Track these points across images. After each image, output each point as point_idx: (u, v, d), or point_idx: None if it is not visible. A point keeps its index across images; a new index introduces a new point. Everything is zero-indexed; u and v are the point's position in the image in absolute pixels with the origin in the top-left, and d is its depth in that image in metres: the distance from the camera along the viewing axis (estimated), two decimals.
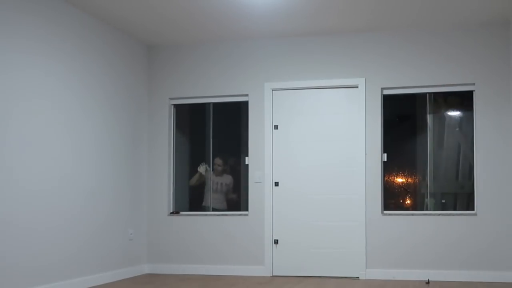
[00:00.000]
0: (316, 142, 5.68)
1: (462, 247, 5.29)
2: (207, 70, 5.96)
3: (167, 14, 5.10)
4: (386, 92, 5.58)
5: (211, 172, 6.05)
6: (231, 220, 5.81)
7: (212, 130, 6.06)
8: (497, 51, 5.30)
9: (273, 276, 5.67)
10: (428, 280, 5.20)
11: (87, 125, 5.05)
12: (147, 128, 6.06)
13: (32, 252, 4.33)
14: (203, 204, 6.06)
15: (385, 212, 5.49)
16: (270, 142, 5.76)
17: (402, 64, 5.51)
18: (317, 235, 5.61)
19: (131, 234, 5.71)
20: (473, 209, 5.36)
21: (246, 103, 5.92)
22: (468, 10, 4.98)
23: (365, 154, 5.52)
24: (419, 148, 5.65)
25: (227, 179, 6.08)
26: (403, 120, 5.81)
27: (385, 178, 5.60)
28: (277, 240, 5.70)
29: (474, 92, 5.41)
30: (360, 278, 5.45)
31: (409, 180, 5.68)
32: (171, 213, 6.00)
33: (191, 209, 6.11)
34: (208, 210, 6.00)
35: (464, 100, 5.53)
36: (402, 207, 5.68)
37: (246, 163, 5.83)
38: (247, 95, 5.87)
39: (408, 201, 5.72)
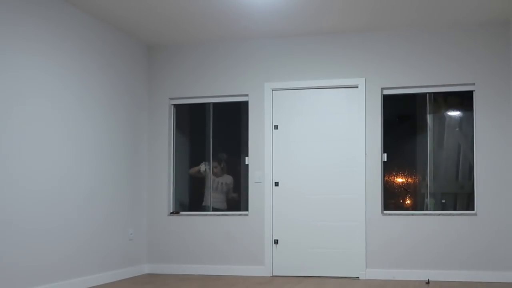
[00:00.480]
0: (316, 142, 5.68)
1: (462, 247, 5.29)
2: (207, 70, 5.96)
3: (167, 14, 5.10)
4: (386, 92, 5.58)
5: (211, 173, 6.05)
6: (231, 220, 5.81)
7: (212, 130, 6.06)
8: (497, 51, 5.30)
9: (273, 276, 5.67)
10: (428, 280, 5.20)
11: (87, 125, 5.05)
12: (147, 128, 6.06)
13: (32, 252, 4.33)
14: (203, 204, 6.06)
15: (385, 212, 5.49)
16: (270, 142, 5.76)
17: (402, 64, 5.51)
18: (317, 235, 5.61)
19: (131, 234, 5.71)
20: (473, 209, 5.36)
21: (246, 103, 5.92)
22: (468, 10, 4.98)
23: (365, 154, 5.52)
24: (419, 148, 5.65)
25: (228, 179, 6.08)
26: (403, 120, 5.81)
27: (385, 178, 5.60)
28: (277, 240, 5.70)
29: (474, 92, 5.40)
30: (360, 278, 5.46)
31: (409, 180, 5.68)
32: (171, 213, 6.00)
33: (191, 209, 6.11)
34: (208, 210, 6.00)
35: (464, 100, 5.53)
36: (402, 207, 5.68)
37: (246, 163, 5.83)
38: (247, 95, 5.87)
39: (408, 201, 5.72)
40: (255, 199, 5.76)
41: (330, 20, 5.27)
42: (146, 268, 5.98)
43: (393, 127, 5.67)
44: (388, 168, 5.61)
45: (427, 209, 5.53)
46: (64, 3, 4.75)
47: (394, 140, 5.63)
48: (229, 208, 6.05)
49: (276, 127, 5.78)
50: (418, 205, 5.65)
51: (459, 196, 5.57)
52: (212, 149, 6.06)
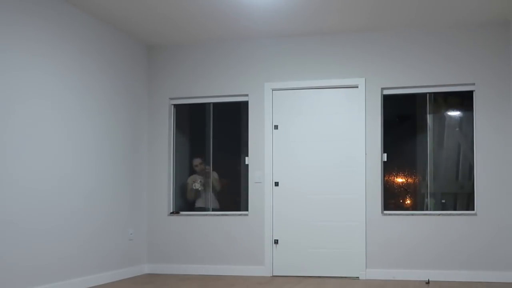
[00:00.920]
0: (316, 142, 5.68)
1: (462, 247, 5.29)
2: (207, 70, 5.96)
3: (167, 14, 5.10)
4: (386, 92, 5.58)
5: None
6: (231, 220, 5.81)
7: (212, 130, 6.06)
8: (497, 51, 5.30)
9: (273, 276, 5.67)
10: (428, 280, 5.20)
11: (87, 125, 5.05)
12: (147, 128, 6.06)
13: (32, 252, 4.33)
14: (197, 205, 6.05)
15: (385, 212, 5.49)
16: (270, 142, 5.76)
17: (402, 64, 5.51)
18: (317, 235, 5.61)
19: (131, 234, 5.71)
20: (473, 209, 5.36)
21: (246, 103, 5.92)
22: (468, 10, 4.98)
23: (365, 154, 5.52)
24: (419, 148, 5.65)
25: (214, 174, 6.05)
26: (403, 120, 5.81)
27: (385, 178, 5.60)
28: (277, 240, 5.70)
29: (474, 92, 5.41)
30: (360, 278, 5.45)
31: (409, 180, 5.68)
32: (171, 213, 6.00)
33: (191, 209, 6.11)
34: (208, 210, 6.01)
35: (464, 100, 5.53)
36: (402, 207, 5.68)
37: (246, 163, 5.83)
38: (247, 95, 5.87)
39: (408, 201, 5.72)
40: (255, 199, 5.76)
41: (330, 20, 5.27)
42: (146, 268, 5.98)
43: (393, 127, 5.67)
44: (388, 168, 5.61)
45: (427, 209, 5.53)
46: (64, 3, 4.75)
47: (394, 140, 5.63)
48: (222, 205, 6.02)
49: (276, 127, 5.77)
50: (418, 205, 5.65)
51: (459, 196, 5.57)
52: (212, 149, 6.06)
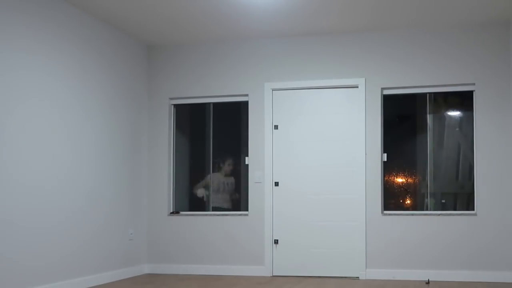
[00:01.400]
0: (316, 142, 5.68)
1: (462, 247, 5.29)
2: (207, 70, 5.96)
3: (167, 14, 5.10)
4: (386, 92, 5.58)
5: (221, 172, 6.06)
6: (231, 220, 5.82)
7: (212, 130, 6.06)
8: (497, 51, 5.30)
9: (273, 276, 5.67)
10: (428, 280, 5.20)
11: (87, 125, 5.05)
12: (147, 128, 6.06)
13: (32, 252, 4.33)
14: (212, 205, 6.06)
15: (385, 212, 5.49)
16: (270, 142, 5.76)
17: (402, 64, 5.51)
18: (317, 235, 5.61)
19: (131, 234, 5.71)
20: (473, 209, 5.36)
21: (246, 103, 5.92)
22: (468, 10, 4.98)
23: (365, 154, 5.52)
24: (419, 148, 5.65)
25: (231, 178, 6.09)
26: (403, 120, 5.81)
27: (385, 178, 5.60)
28: (277, 240, 5.70)
29: (474, 92, 5.41)
30: (360, 278, 5.46)
31: (409, 180, 5.68)
32: (171, 213, 6.00)
33: (191, 209, 6.11)
34: (212, 210, 6.01)
35: (464, 100, 5.53)
36: (402, 207, 5.68)
37: (246, 163, 5.83)
38: (247, 95, 5.88)
39: (408, 201, 5.72)
40: (255, 199, 5.76)
41: (330, 20, 5.27)
42: (146, 268, 5.98)
43: (393, 127, 5.67)
44: (388, 168, 5.61)
45: (427, 209, 5.53)
46: (64, 3, 4.75)
47: (394, 140, 5.63)
48: (232, 208, 6.05)
49: (276, 127, 5.78)
50: (418, 205, 5.65)
51: (459, 196, 5.57)
52: (212, 149, 6.06)
